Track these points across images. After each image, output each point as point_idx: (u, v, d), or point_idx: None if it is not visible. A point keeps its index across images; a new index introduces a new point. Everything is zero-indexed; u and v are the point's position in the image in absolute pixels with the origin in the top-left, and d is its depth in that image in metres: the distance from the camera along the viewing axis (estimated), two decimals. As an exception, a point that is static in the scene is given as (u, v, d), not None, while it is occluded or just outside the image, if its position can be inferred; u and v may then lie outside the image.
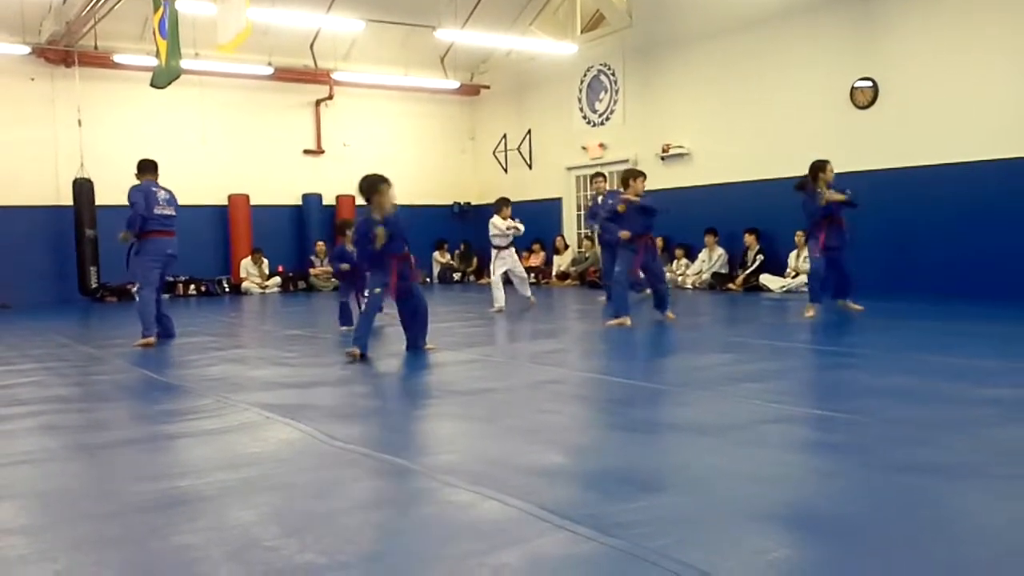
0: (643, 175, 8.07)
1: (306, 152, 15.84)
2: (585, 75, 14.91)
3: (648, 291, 8.81)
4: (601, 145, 14.63)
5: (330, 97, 15.70)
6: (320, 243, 15.24)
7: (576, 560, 2.15)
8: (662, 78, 13.46)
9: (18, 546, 2.36)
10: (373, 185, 6.00)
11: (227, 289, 14.54)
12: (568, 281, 14.54)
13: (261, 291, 14.49)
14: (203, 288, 14.24)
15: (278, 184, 15.32)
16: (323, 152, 15.93)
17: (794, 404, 4.14)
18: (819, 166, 7.96)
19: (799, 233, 10.44)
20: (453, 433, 3.76)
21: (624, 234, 7.76)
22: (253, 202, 14.93)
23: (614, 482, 2.79)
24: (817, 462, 3.08)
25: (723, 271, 12.25)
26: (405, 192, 6.21)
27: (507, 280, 9.90)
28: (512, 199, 10.85)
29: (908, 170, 10.13)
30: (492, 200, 16.28)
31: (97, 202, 13.04)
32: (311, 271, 15.18)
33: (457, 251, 16.93)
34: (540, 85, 15.88)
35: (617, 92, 14.31)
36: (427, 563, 2.16)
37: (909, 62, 10.14)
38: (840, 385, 4.69)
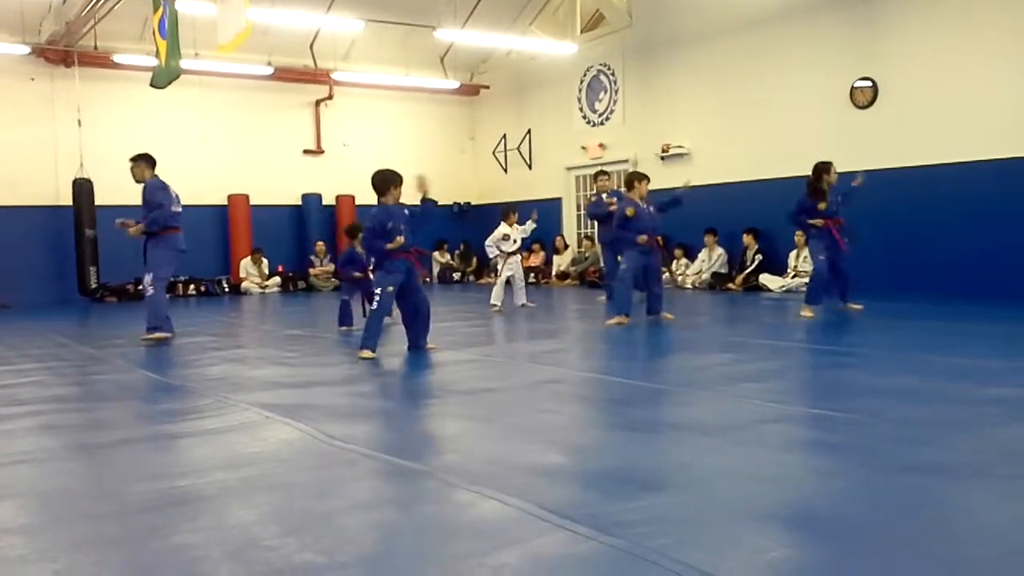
0: (647, 178, 8.13)
1: (306, 152, 15.83)
2: (585, 75, 14.91)
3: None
4: (601, 145, 14.63)
5: (330, 97, 15.70)
6: (320, 243, 15.24)
7: (576, 560, 2.15)
8: (662, 78, 13.46)
9: (17, 546, 2.36)
10: (387, 179, 6.04)
11: (227, 289, 14.54)
12: (568, 281, 14.53)
13: (261, 291, 14.49)
14: (203, 288, 14.23)
15: (278, 184, 15.31)
16: (323, 152, 15.93)
17: (794, 404, 4.14)
18: (823, 167, 7.99)
19: (799, 233, 10.44)
20: (453, 433, 3.76)
21: (642, 239, 7.78)
22: (253, 202, 14.92)
23: (614, 482, 2.79)
24: (817, 462, 3.08)
25: (723, 271, 12.25)
26: (404, 192, 6.21)
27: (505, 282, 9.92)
28: (512, 199, 10.88)
29: (908, 170, 10.13)
30: (492, 200, 16.45)
31: (97, 202, 13.03)
32: (311, 271, 15.18)
33: (457, 251, 16.93)
34: (540, 85, 15.88)
35: (617, 92, 14.31)
36: (426, 563, 2.15)
37: (909, 62, 10.14)
38: (840, 385, 4.69)
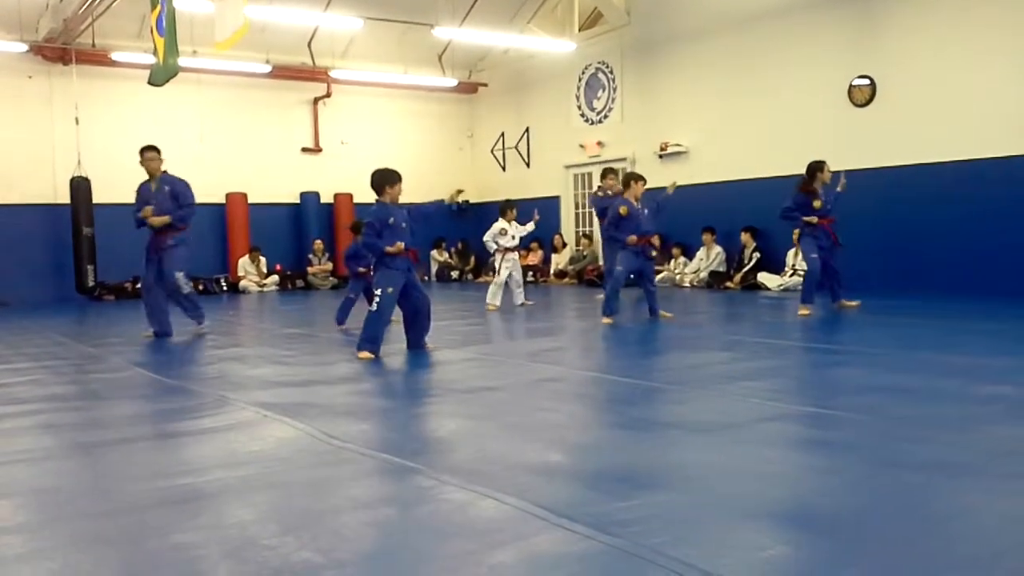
0: (643, 179, 8.14)
1: (304, 150, 15.82)
2: (583, 73, 14.90)
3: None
4: (599, 143, 14.63)
5: (328, 95, 15.68)
6: (318, 241, 15.22)
7: (573, 558, 2.15)
8: (660, 76, 13.46)
9: (15, 545, 2.36)
10: (385, 178, 6.04)
11: (225, 288, 14.52)
12: (566, 279, 14.54)
13: (259, 289, 14.48)
14: (200, 287, 14.14)
15: (276, 182, 15.30)
16: (321, 150, 15.91)
17: (792, 402, 4.14)
18: (817, 166, 8.06)
19: (797, 231, 10.43)
20: (451, 432, 3.76)
21: (632, 239, 7.79)
22: (251, 200, 14.91)
23: (612, 480, 2.79)
24: (815, 460, 3.09)
25: (721, 269, 12.26)
26: (403, 190, 6.21)
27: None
28: (510, 197, 10.87)
29: (906, 168, 10.14)
30: (490, 199, 16.44)
31: (94, 200, 13.02)
32: (309, 269, 15.17)
33: (455, 249, 16.93)
34: (538, 83, 15.87)
35: (615, 90, 14.31)
36: (424, 561, 2.16)
37: (907, 60, 10.15)
38: (838, 383, 4.70)
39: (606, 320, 7.67)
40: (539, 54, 15.32)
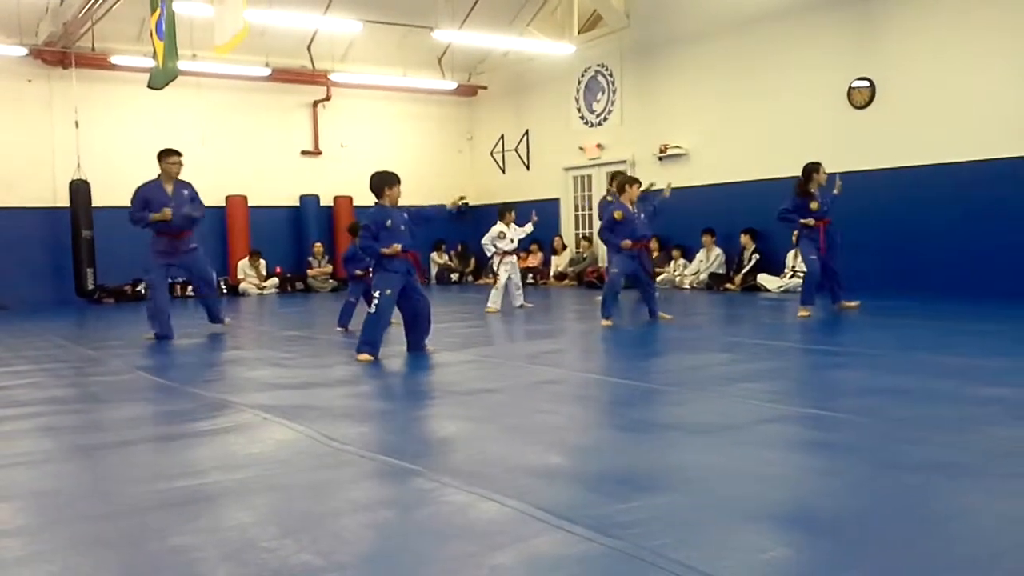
0: (639, 182, 8.15)
1: (304, 153, 15.82)
2: (583, 76, 14.91)
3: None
4: (599, 145, 14.64)
5: (327, 98, 15.69)
6: (318, 244, 15.23)
7: (573, 560, 2.15)
8: (659, 78, 13.47)
9: (15, 548, 2.35)
10: (384, 180, 6.04)
11: (224, 290, 14.50)
12: (566, 281, 14.54)
13: (259, 292, 14.48)
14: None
15: (275, 185, 15.30)
16: (320, 153, 15.92)
17: (792, 404, 4.14)
18: (812, 167, 8.07)
19: (796, 233, 10.43)
20: (451, 434, 3.75)
21: (626, 243, 7.78)
22: (251, 203, 14.92)
23: (612, 482, 2.79)
24: (815, 461, 3.09)
25: (720, 271, 12.26)
26: (403, 192, 6.21)
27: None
28: (510, 200, 10.88)
29: (905, 170, 10.14)
30: (490, 201, 16.43)
31: (94, 203, 13.03)
32: (309, 272, 15.17)
33: (454, 251, 16.93)
34: (538, 86, 15.88)
35: (615, 92, 14.32)
36: (424, 563, 2.16)
37: (906, 62, 10.16)
38: (838, 384, 4.70)
39: (605, 322, 7.68)
40: (539, 57, 15.33)
